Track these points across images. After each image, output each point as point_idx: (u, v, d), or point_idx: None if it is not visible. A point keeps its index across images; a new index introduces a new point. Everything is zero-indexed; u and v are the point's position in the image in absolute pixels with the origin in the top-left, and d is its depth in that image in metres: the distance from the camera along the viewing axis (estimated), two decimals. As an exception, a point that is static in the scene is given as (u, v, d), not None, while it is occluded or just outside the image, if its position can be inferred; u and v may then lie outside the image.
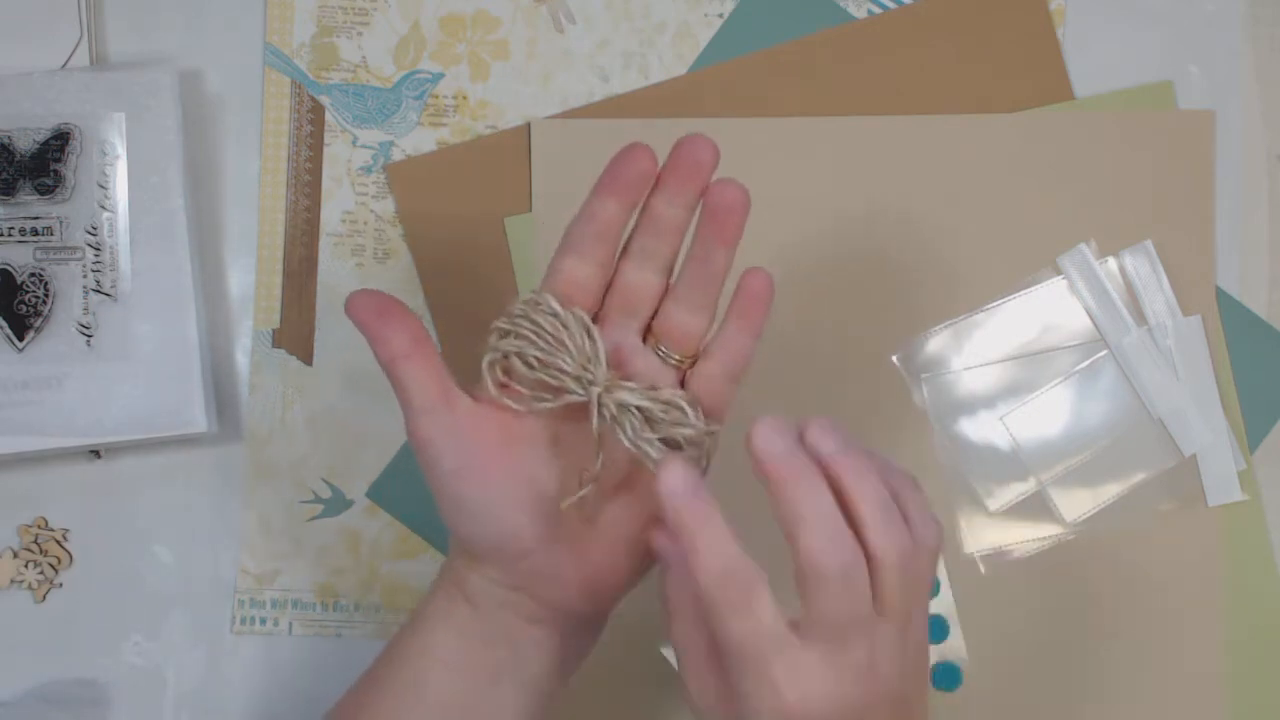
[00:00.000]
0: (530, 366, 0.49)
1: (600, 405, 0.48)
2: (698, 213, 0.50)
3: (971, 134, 0.68)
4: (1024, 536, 0.67)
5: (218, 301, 0.69)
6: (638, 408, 0.48)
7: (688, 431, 0.48)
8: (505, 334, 0.50)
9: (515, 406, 0.49)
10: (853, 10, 0.70)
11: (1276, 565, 0.67)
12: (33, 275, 0.65)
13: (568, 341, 0.48)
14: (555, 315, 0.49)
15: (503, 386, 0.50)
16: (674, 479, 0.42)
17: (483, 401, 0.50)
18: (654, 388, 0.49)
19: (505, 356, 0.50)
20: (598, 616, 0.53)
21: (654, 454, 0.48)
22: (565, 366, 0.48)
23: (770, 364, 0.67)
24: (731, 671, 0.43)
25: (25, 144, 0.66)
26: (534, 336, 0.49)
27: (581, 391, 0.48)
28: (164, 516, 0.68)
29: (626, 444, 0.48)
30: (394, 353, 0.48)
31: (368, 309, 0.49)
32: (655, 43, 0.70)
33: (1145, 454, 0.67)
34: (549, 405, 0.49)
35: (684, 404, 0.49)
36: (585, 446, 0.49)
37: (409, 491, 0.68)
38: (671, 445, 0.48)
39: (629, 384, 0.48)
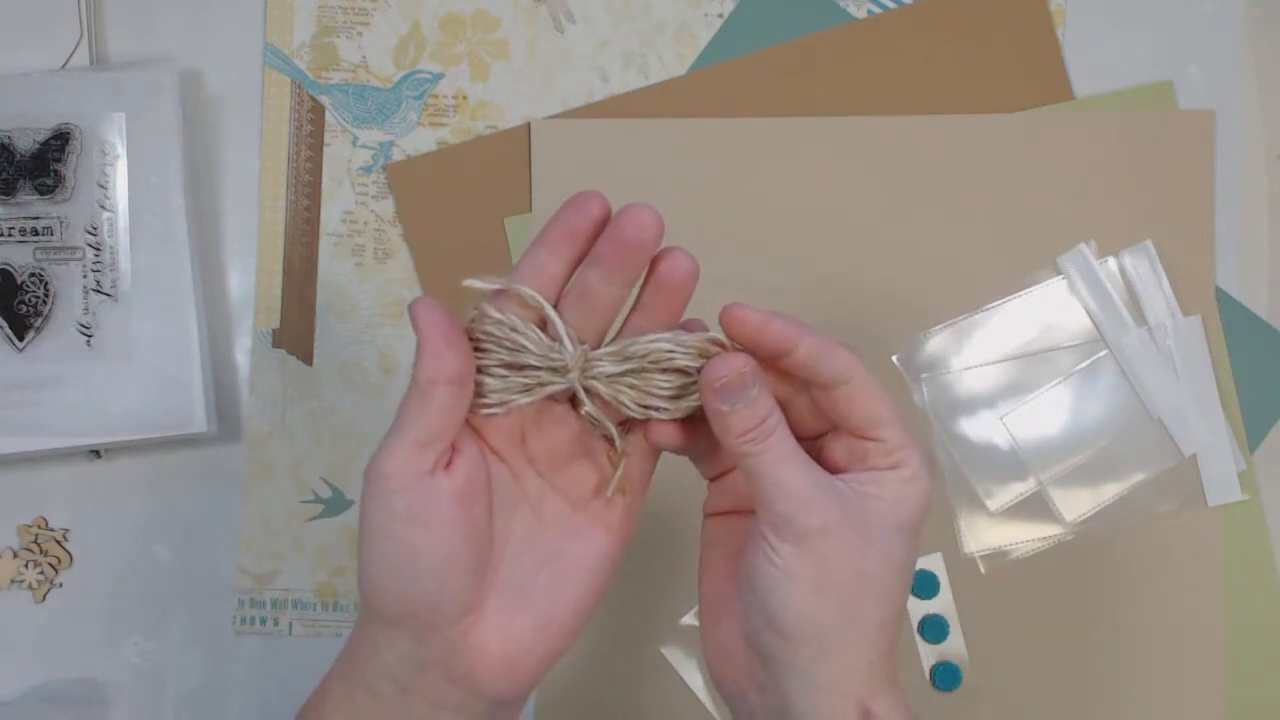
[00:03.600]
0: (502, 377, 0.46)
1: (586, 390, 0.46)
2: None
3: (971, 134, 0.68)
4: (1024, 536, 0.67)
5: (218, 301, 0.69)
6: (623, 374, 0.46)
7: (685, 361, 0.46)
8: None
9: (497, 410, 0.46)
10: (853, 10, 0.70)
11: (1276, 565, 0.67)
12: (33, 275, 0.65)
13: (525, 341, 0.46)
14: (500, 321, 0.46)
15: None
16: (723, 368, 0.44)
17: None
18: (629, 341, 0.46)
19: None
20: (509, 706, 0.48)
21: (665, 410, 0.46)
22: (532, 362, 0.46)
23: (770, 364, 0.67)
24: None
25: (25, 144, 0.66)
26: (493, 347, 0.46)
27: (560, 379, 0.46)
28: (164, 516, 0.68)
29: (635, 414, 0.46)
30: (440, 375, 0.44)
31: (436, 324, 0.45)
32: (655, 43, 0.70)
33: (1145, 454, 0.67)
34: (530, 399, 0.46)
35: (666, 343, 0.46)
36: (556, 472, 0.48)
37: (409, 491, 0.68)
38: (680, 384, 0.46)
39: (602, 351, 0.46)
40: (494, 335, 0.46)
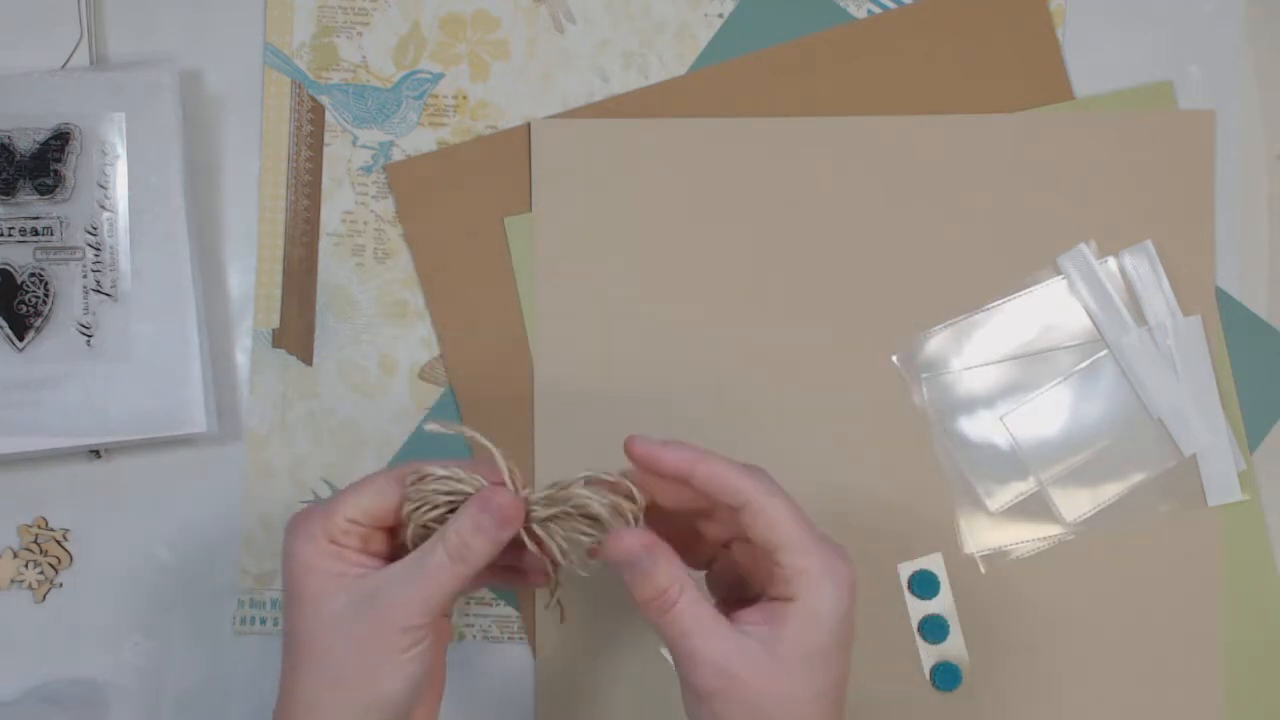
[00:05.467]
0: (425, 516, 0.51)
1: (526, 532, 0.51)
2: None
3: (971, 134, 0.68)
4: (1024, 536, 0.67)
5: (218, 301, 0.69)
6: (552, 517, 0.51)
7: (599, 509, 0.51)
8: (414, 509, 0.51)
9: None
10: (853, 10, 0.70)
11: (1276, 565, 0.67)
12: (33, 275, 0.65)
13: (468, 489, 0.51)
14: (446, 476, 0.51)
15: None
16: (619, 543, 0.49)
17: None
18: (557, 485, 0.51)
19: (422, 526, 0.51)
20: None
21: (583, 566, 0.52)
22: (443, 512, 0.51)
23: (771, 364, 0.68)
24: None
25: (25, 144, 0.66)
26: (436, 502, 0.51)
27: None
28: (164, 516, 0.68)
29: (562, 563, 0.52)
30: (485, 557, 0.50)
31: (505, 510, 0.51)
32: (655, 43, 0.70)
33: (1145, 454, 0.67)
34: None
35: (583, 491, 0.51)
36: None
37: (409, 491, 0.68)
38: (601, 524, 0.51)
39: (535, 496, 0.51)
40: (438, 490, 0.51)
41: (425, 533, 0.51)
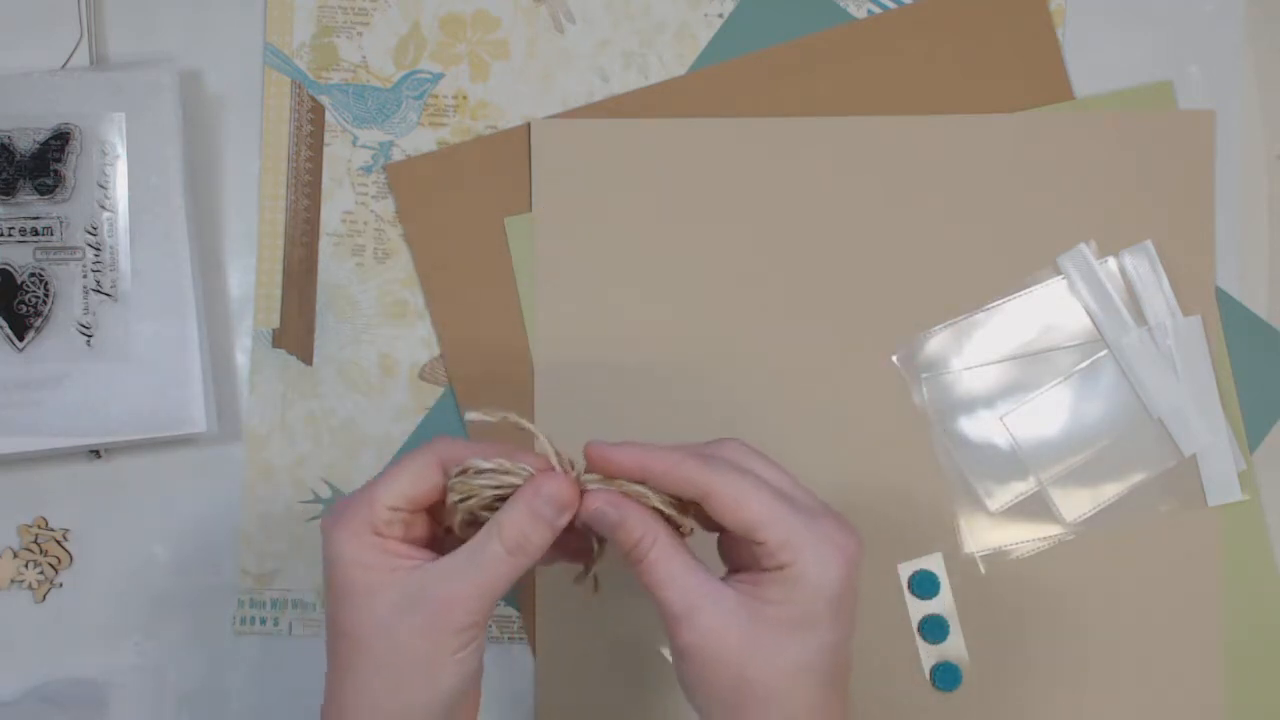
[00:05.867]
0: (471, 506, 0.50)
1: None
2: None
3: (971, 134, 0.68)
4: (1024, 536, 0.67)
5: (218, 301, 0.69)
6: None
7: (657, 503, 0.50)
8: (461, 499, 0.50)
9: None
10: (853, 10, 0.70)
11: (1276, 565, 0.67)
12: (33, 275, 0.65)
13: (516, 479, 0.49)
14: (490, 469, 0.49)
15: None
16: (590, 505, 0.49)
17: None
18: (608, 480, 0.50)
19: (470, 513, 0.50)
20: None
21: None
22: (490, 504, 0.50)
23: (771, 364, 0.68)
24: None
25: (25, 144, 0.66)
26: (483, 491, 0.49)
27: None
28: (164, 516, 0.68)
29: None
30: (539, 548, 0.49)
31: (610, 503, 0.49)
32: (655, 43, 0.70)
33: (1145, 454, 0.67)
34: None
35: (637, 488, 0.49)
36: None
37: (409, 491, 0.68)
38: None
39: (588, 479, 0.50)
40: (486, 484, 0.49)
41: (472, 518, 0.50)
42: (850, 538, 0.48)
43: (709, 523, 0.51)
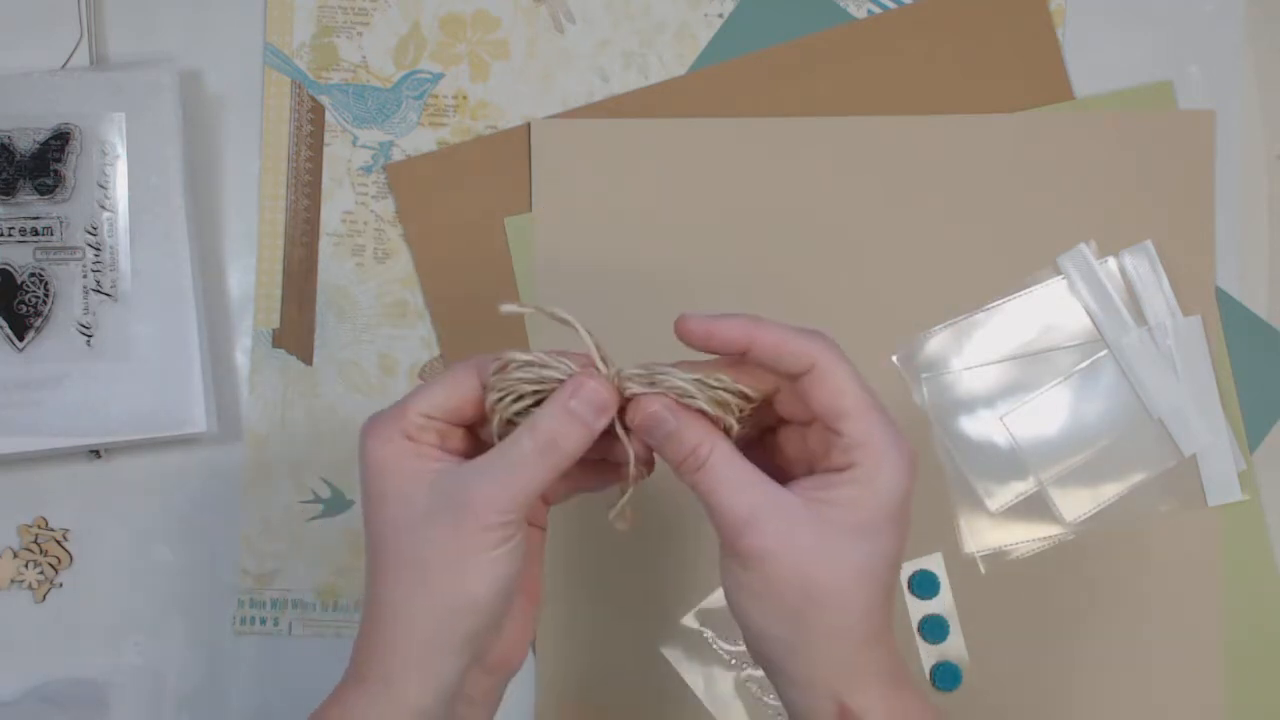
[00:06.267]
0: (512, 407, 0.47)
1: (619, 423, 0.47)
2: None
3: (971, 134, 0.68)
4: (1024, 536, 0.67)
5: (218, 301, 0.69)
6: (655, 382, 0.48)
7: (703, 404, 0.47)
8: (499, 399, 0.48)
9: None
10: (853, 10, 0.70)
11: (1276, 565, 0.67)
12: (33, 275, 0.65)
13: (556, 374, 0.47)
14: (530, 361, 0.47)
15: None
16: (636, 414, 0.47)
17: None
18: (656, 368, 0.47)
19: (508, 420, 0.48)
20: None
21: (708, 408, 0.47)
22: (529, 402, 0.47)
23: (770, 364, 0.67)
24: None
25: (25, 144, 0.66)
26: (521, 387, 0.47)
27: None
28: (164, 516, 0.68)
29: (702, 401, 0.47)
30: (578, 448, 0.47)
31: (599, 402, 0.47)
32: (655, 43, 0.70)
33: (1145, 454, 0.67)
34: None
35: (688, 384, 0.47)
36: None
37: (409, 491, 0.68)
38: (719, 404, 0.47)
39: (630, 372, 0.47)
40: (524, 378, 0.47)
41: (511, 428, 0.47)
42: (910, 445, 0.47)
43: (767, 417, 0.49)
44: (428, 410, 0.48)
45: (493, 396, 0.47)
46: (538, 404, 0.47)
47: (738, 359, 0.48)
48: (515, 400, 0.47)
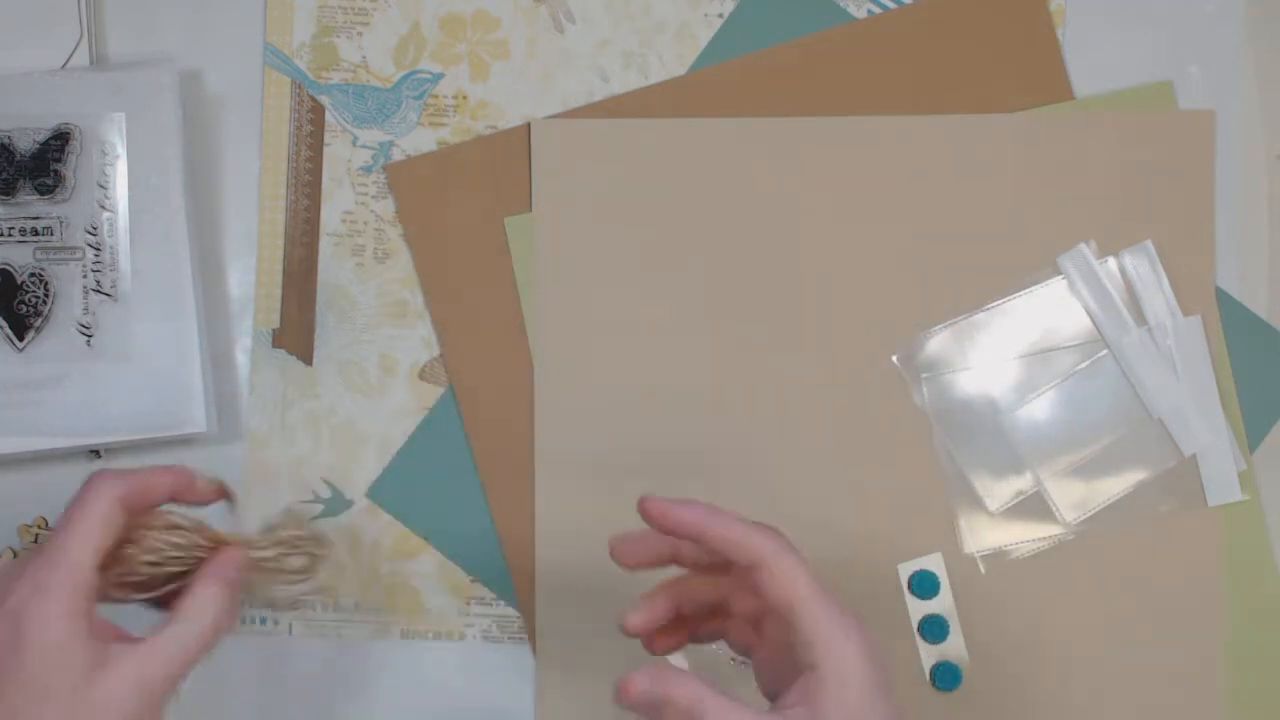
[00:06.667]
0: (156, 570, 0.51)
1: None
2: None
3: (971, 134, 0.68)
4: (1024, 536, 0.67)
5: (218, 301, 0.69)
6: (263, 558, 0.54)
7: (298, 563, 0.55)
8: (143, 558, 0.51)
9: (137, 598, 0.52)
10: (853, 10, 0.70)
11: (1276, 565, 0.67)
12: (33, 275, 0.65)
13: (161, 544, 0.51)
14: (178, 530, 0.52)
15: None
16: (633, 691, 0.48)
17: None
18: (265, 533, 0.54)
19: (129, 575, 0.51)
20: None
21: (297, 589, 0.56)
22: (176, 568, 0.51)
23: (771, 364, 0.68)
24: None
25: (25, 144, 0.66)
26: (167, 551, 0.51)
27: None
28: (164, 516, 0.68)
29: (282, 593, 0.56)
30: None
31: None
32: (655, 43, 0.70)
33: (1145, 454, 0.67)
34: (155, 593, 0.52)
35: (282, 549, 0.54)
36: None
37: (409, 491, 0.68)
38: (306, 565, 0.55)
39: (241, 539, 0.53)
40: (172, 546, 0.52)
41: (148, 574, 0.51)
42: (866, 632, 0.48)
43: (737, 641, 0.54)
44: (97, 561, 0.48)
45: (148, 557, 0.51)
46: (176, 559, 0.51)
47: (675, 552, 0.52)
48: (155, 564, 0.51)
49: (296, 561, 0.55)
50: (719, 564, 0.51)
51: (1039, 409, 0.67)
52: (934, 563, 0.67)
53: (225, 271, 0.69)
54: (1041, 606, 0.66)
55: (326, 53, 0.70)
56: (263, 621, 0.68)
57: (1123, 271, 0.68)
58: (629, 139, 0.69)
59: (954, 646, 0.66)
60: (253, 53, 0.70)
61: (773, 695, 0.50)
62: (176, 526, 0.51)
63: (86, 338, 0.65)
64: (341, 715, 0.67)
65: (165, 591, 0.52)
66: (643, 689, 0.47)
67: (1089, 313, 0.68)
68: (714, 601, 0.53)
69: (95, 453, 0.67)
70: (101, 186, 0.66)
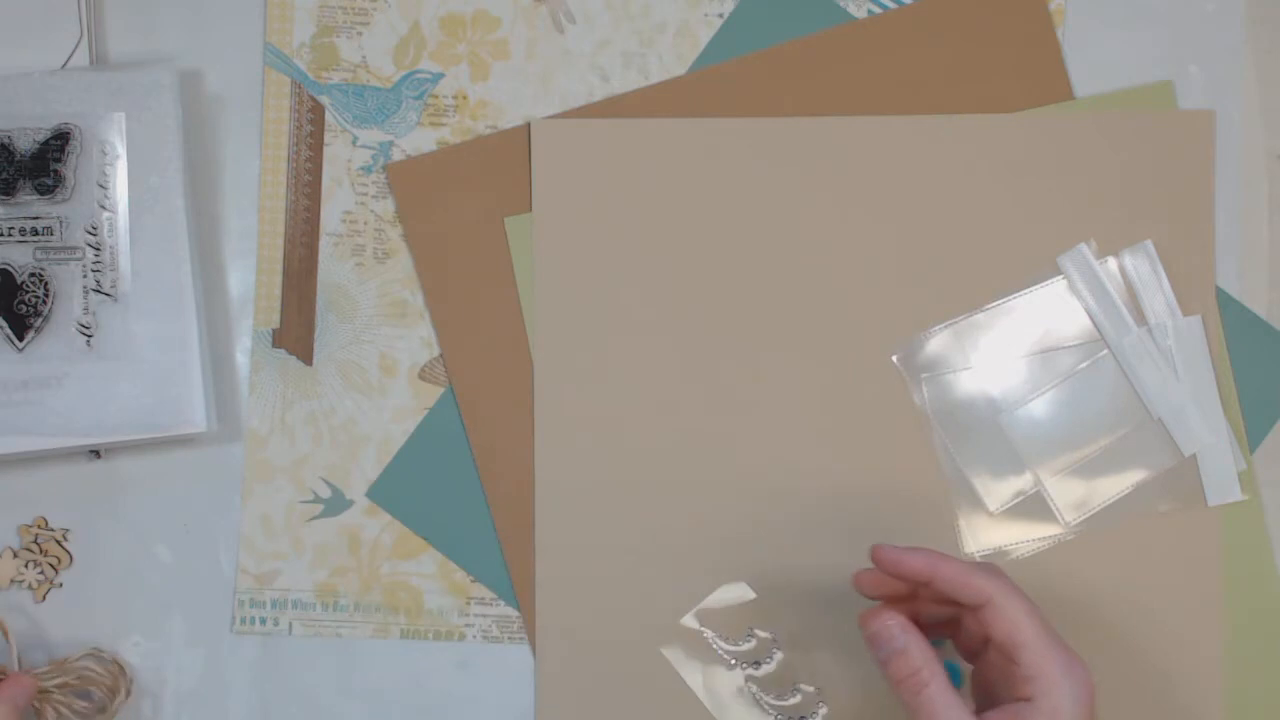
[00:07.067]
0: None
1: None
2: None
3: (971, 134, 0.68)
4: (1024, 536, 0.67)
5: (218, 301, 0.69)
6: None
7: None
8: None
9: None
10: (853, 10, 0.70)
11: (1276, 565, 0.67)
12: (33, 275, 0.65)
13: None
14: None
15: None
16: (873, 621, 0.55)
17: None
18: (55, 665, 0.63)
19: None
20: None
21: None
22: None
23: (771, 363, 0.68)
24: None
25: (25, 144, 0.66)
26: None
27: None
28: (164, 516, 0.68)
29: None
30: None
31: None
32: (655, 43, 0.70)
33: (1145, 454, 0.67)
34: None
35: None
36: None
37: (409, 491, 0.68)
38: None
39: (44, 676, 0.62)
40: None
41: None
42: (1088, 672, 0.52)
43: (965, 650, 0.58)
44: None
45: None
46: None
47: (916, 588, 0.57)
48: None
49: (82, 702, 0.63)
50: (949, 599, 0.55)
51: (1039, 409, 0.67)
52: (934, 563, 0.67)
53: (225, 271, 0.69)
54: (1041, 606, 0.66)
55: (326, 52, 0.70)
56: (261, 622, 0.68)
57: (1123, 271, 0.68)
58: (629, 139, 0.69)
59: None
60: (253, 53, 0.70)
61: (981, 706, 0.54)
62: None
63: (86, 338, 0.65)
64: (341, 715, 0.67)
65: None
66: (889, 631, 0.53)
67: (1089, 313, 0.68)
68: (945, 618, 0.57)
69: (95, 453, 0.68)
70: (101, 186, 0.66)
